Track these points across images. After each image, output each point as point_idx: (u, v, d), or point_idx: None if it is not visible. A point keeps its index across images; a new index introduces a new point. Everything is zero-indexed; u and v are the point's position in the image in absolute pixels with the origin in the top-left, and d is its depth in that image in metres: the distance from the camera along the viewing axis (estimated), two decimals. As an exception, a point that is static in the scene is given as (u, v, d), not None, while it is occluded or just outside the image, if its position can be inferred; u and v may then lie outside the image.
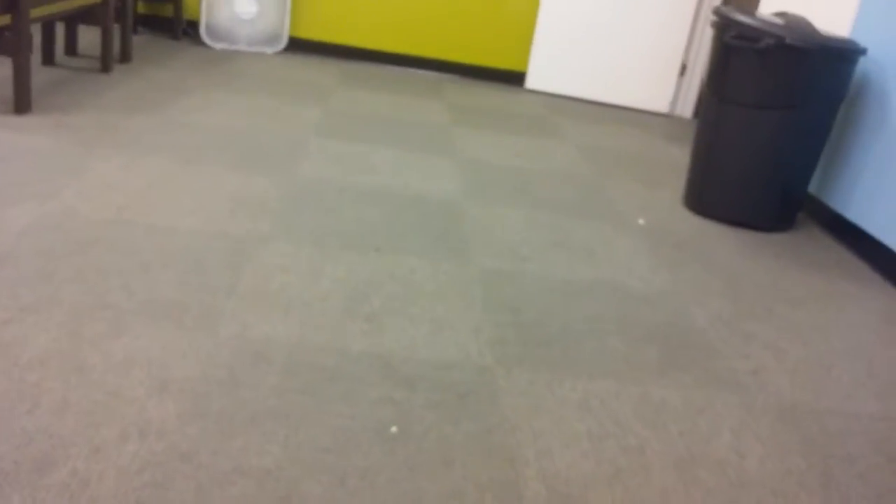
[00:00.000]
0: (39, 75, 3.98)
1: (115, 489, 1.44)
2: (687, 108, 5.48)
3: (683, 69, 5.38)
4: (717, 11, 3.29)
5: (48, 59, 4.20)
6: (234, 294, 2.18)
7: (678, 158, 4.34)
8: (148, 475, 1.48)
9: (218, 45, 5.29)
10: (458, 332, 2.17)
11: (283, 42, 5.41)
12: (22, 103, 3.36)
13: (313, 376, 1.87)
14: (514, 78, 5.56)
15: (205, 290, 2.18)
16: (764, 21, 3.12)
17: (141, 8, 5.44)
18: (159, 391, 1.73)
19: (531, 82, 5.47)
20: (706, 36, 5.29)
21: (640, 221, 3.26)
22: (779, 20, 3.15)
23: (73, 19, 4.17)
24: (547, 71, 5.43)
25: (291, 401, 1.77)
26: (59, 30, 4.77)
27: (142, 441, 1.57)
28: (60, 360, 1.78)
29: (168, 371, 1.80)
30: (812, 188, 3.66)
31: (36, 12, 3.49)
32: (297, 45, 5.49)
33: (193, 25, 5.42)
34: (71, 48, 4.45)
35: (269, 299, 2.19)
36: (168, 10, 5.42)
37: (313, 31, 5.47)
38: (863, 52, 3.15)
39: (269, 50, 5.38)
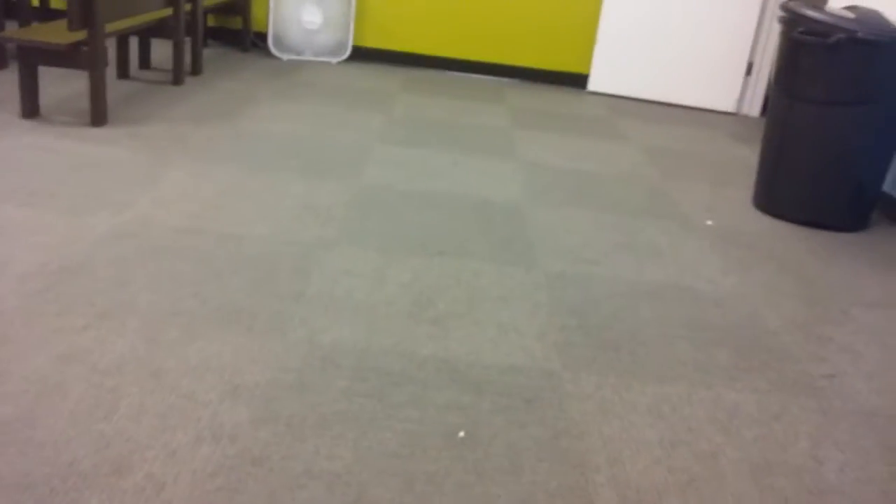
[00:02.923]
0: (115, 88, 4.11)
1: (189, 493, 1.47)
2: (754, 107, 5.36)
3: (750, 67, 5.27)
4: (784, 7, 3.21)
5: (123, 72, 4.34)
6: (302, 299, 2.22)
7: (746, 158, 4.25)
8: (221, 479, 1.51)
9: (285, 56, 5.38)
10: (524, 336, 2.17)
11: (348, 51, 5.48)
12: (98, 116, 3.47)
13: (381, 380, 1.88)
14: (576, 80, 5.52)
15: (274, 296, 2.22)
16: (834, 15, 3.04)
17: (211, 21, 5.58)
18: (232, 395, 1.76)
19: (593, 84, 5.42)
20: (773, 32, 5.16)
21: (709, 222, 3.19)
22: (850, 14, 3.06)
23: (147, 33, 4.30)
24: (609, 72, 5.37)
25: (360, 405, 1.78)
26: (133, 44, 4.92)
27: (215, 445, 1.60)
28: (137, 365, 1.84)
29: (240, 376, 1.84)
30: (887, 186, 3.54)
31: (111, 27, 3.61)
32: (361, 54, 5.55)
33: (262, 37, 5.52)
34: (144, 62, 4.59)
35: (337, 304, 2.21)
36: (237, 23, 5.54)
37: (376, 40, 5.53)
38: (941, 43, 3.04)
39: (334, 59, 5.45)
